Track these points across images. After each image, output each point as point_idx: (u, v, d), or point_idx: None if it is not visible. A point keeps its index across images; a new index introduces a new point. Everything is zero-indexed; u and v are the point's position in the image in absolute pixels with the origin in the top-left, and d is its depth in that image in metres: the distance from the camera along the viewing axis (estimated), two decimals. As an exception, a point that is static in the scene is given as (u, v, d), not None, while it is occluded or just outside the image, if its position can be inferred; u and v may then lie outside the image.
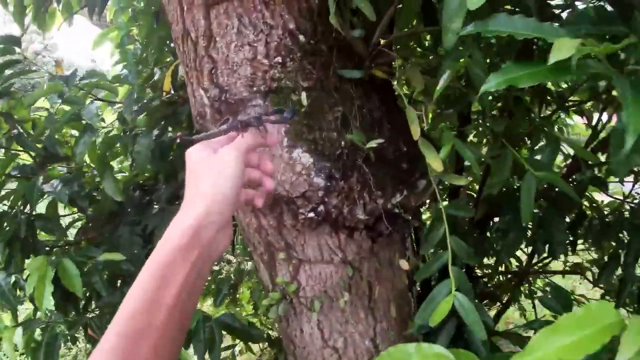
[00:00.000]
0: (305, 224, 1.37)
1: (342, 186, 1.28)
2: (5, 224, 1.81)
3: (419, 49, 1.84)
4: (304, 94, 1.25)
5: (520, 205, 1.29)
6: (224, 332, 1.76)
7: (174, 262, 0.63)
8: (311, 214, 1.33)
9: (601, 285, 2.18)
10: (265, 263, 1.59)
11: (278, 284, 1.57)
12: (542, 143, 1.53)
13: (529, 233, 1.75)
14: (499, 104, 1.54)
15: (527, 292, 2.32)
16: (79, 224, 2.22)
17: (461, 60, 0.98)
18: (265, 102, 1.31)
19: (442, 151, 1.18)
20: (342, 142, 1.26)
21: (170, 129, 1.93)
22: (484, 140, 2.13)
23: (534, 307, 2.42)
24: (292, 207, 1.33)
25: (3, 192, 1.94)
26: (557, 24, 0.75)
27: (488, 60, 1.58)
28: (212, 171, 0.71)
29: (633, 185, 1.77)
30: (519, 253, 1.96)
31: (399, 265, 1.54)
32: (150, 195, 2.07)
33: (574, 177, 1.65)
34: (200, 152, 0.75)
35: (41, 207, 1.90)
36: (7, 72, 1.85)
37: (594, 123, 1.84)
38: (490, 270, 2.14)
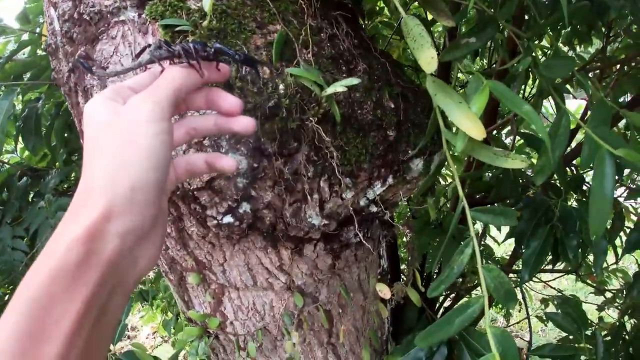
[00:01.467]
0: (222, 234, 0.74)
1: (280, 169, 0.65)
2: None
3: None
4: (207, 1, 0.61)
5: (590, 202, 0.69)
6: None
7: (54, 298, 0.36)
8: (228, 218, 0.70)
9: (588, 282, 1.70)
10: (174, 286, 0.96)
11: (193, 320, 0.95)
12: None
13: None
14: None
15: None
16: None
17: None
18: (139, 14, 0.67)
19: (474, 102, 0.57)
20: (280, 85, 0.62)
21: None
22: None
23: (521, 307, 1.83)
24: (194, 207, 0.70)
25: None
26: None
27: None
28: (116, 143, 0.41)
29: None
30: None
31: (373, 288, 0.92)
32: (39, 183, 1.42)
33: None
34: (102, 109, 0.43)
35: None
36: None
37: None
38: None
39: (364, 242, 0.84)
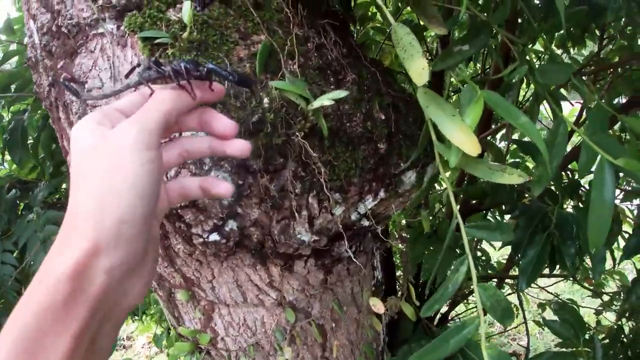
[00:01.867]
0: (209, 251, 0.71)
1: (266, 186, 0.61)
2: None
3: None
4: (187, 10, 0.57)
5: (590, 213, 0.66)
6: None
7: (43, 333, 0.35)
8: (214, 236, 0.66)
9: (585, 285, 1.67)
10: (164, 302, 0.93)
11: (184, 335, 0.91)
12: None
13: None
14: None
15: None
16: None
17: None
18: (118, 26, 0.63)
19: (468, 114, 0.53)
20: (264, 99, 0.58)
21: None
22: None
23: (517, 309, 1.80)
24: (179, 225, 0.66)
25: None
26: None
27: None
28: (102, 169, 0.38)
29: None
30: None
31: (367, 301, 0.88)
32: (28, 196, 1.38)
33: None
34: (88, 133, 0.40)
35: None
36: None
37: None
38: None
39: (356, 256, 0.81)
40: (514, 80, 0.61)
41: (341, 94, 0.55)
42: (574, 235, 1.05)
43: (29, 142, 1.31)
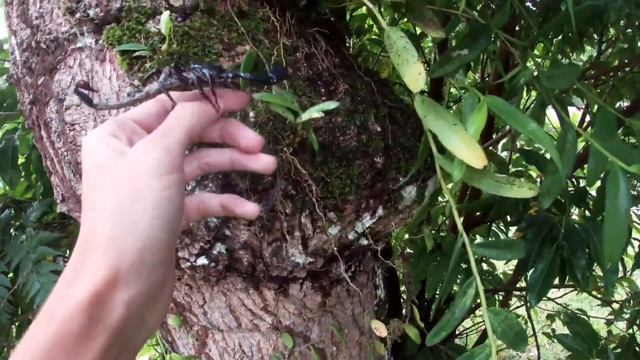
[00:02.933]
0: (198, 276, 0.65)
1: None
2: None
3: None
4: (165, 21, 0.52)
5: (605, 225, 0.60)
6: None
7: None
8: (202, 260, 0.61)
9: (594, 293, 1.60)
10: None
11: (178, 361, 0.86)
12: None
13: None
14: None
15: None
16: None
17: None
18: (96, 40, 0.58)
19: (471, 123, 0.48)
20: (249, 113, 0.53)
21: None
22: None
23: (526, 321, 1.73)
24: (163, 248, 0.61)
25: None
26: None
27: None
28: (121, 195, 0.35)
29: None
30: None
31: (369, 323, 0.82)
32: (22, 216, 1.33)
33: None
34: (102, 147, 0.37)
35: None
36: None
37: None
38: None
39: (357, 276, 0.75)
40: (519, 84, 0.56)
41: (332, 105, 0.50)
42: (583, 245, 0.99)
43: (22, 161, 1.26)
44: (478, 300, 0.56)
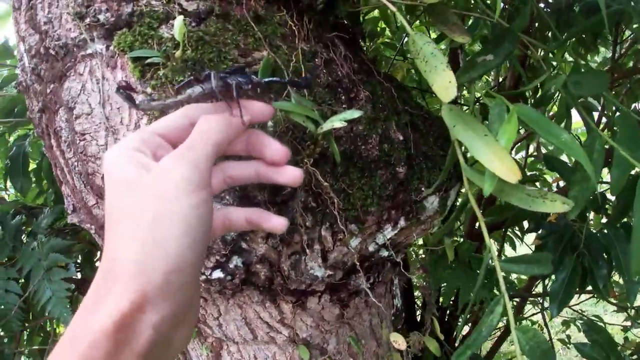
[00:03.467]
0: (213, 289, 0.62)
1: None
2: None
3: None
4: (179, 26, 0.49)
5: (632, 239, 0.57)
6: None
7: None
8: (217, 273, 0.58)
9: (611, 300, 1.56)
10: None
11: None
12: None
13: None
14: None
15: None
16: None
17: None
18: (107, 46, 0.56)
19: (502, 134, 0.45)
20: (268, 123, 0.50)
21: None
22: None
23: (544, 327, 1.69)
24: (177, 261, 0.58)
25: None
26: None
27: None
28: (148, 215, 0.33)
29: None
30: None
31: (387, 335, 0.79)
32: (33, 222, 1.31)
33: None
34: (127, 163, 0.35)
35: None
36: None
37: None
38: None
39: (375, 287, 0.72)
40: (549, 93, 0.52)
41: (354, 114, 0.47)
42: (604, 254, 0.96)
43: (33, 167, 1.24)
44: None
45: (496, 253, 0.52)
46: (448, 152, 0.65)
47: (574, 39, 1.48)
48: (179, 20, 0.50)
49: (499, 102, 0.53)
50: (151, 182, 0.34)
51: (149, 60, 0.53)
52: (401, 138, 0.58)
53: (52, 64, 0.62)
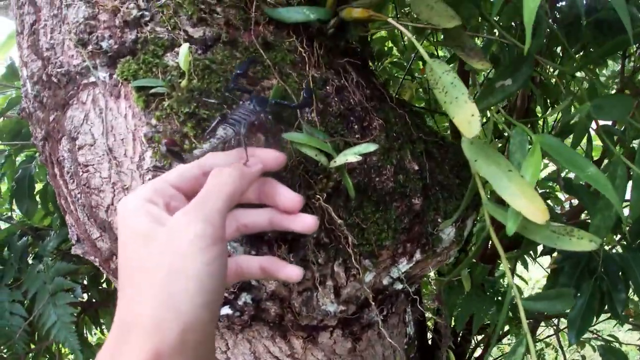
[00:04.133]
0: (221, 324, 0.59)
1: (283, 257, 0.50)
2: None
3: None
4: (184, 54, 0.47)
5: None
6: None
7: None
8: (226, 310, 0.55)
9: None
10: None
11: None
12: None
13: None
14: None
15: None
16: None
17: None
18: (110, 74, 0.53)
19: (526, 168, 0.42)
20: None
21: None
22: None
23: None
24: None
25: None
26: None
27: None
28: (162, 271, 0.32)
29: None
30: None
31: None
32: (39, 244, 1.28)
33: None
34: (141, 216, 0.35)
35: None
36: None
37: None
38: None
39: (388, 318, 0.69)
40: (573, 122, 0.49)
41: (370, 147, 0.44)
42: (621, 276, 0.92)
43: (39, 188, 1.22)
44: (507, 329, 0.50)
45: (517, 291, 0.48)
46: (464, 179, 0.62)
47: (582, 53, 1.46)
48: (184, 48, 0.48)
49: (519, 130, 0.50)
50: (165, 238, 0.34)
51: (153, 90, 0.51)
52: (416, 168, 0.54)
53: (55, 92, 0.60)
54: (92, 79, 0.55)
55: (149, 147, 0.51)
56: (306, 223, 0.41)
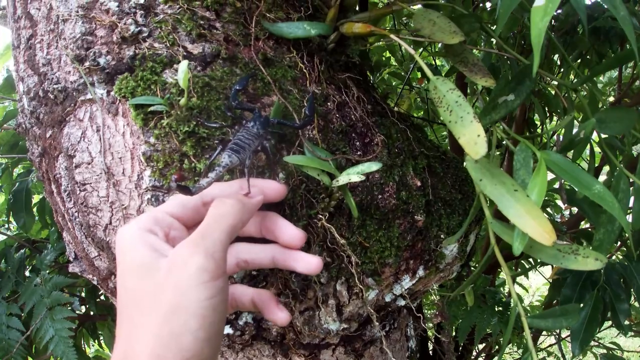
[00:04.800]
0: (222, 344, 0.58)
1: (285, 278, 0.49)
2: None
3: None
4: (184, 71, 0.46)
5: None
6: None
7: None
8: (227, 330, 0.54)
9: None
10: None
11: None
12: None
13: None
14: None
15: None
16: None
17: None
18: (108, 91, 0.52)
19: (532, 188, 0.41)
20: (279, 174, 0.46)
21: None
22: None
23: None
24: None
25: None
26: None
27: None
28: (162, 305, 0.32)
29: None
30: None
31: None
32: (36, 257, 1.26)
33: None
34: (140, 247, 0.34)
35: None
36: None
37: None
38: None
39: (390, 333, 0.68)
40: (577, 138, 0.49)
41: (372, 166, 0.43)
42: (624, 286, 0.91)
43: (36, 201, 1.21)
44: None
45: (521, 309, 0.47)
46: (466, 194, 0.61)
47: (579, 60, 1.45)
48: (183, 65, 0.47)
49: (523, 147, 0.49)
50: (165, 271, 0.33)
51: (152, 108, 0.50)
52: (419, 184, 0.54)
53: (52, 108, 0.59)
54: (89, 95, 0.54)
55: (147, 165, 0.50)
56: (311, 265, 0.40)
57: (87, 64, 0.53)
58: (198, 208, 0.38)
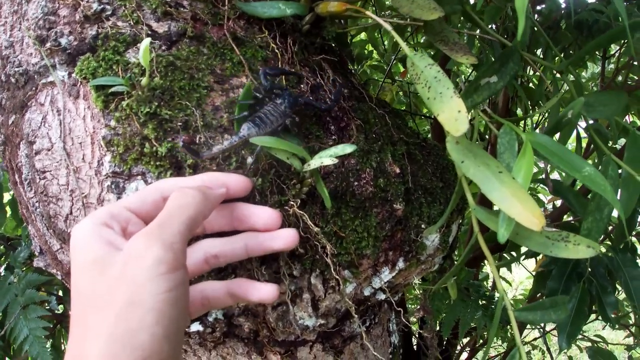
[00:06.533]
0: (192, 341, 0.54)
1: (254, 269, 0.45)
2: None
3: None
4: (144, 49, 0.42)
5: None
6: None
7: None
8: (196, 326, 0.50)
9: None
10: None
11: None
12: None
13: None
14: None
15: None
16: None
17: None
18: (69, 73, 0.48)
19: (518, 169, 0.38)
20: (247, 159, 0.42)
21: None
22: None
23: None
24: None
25: None
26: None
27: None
28: (117, 303, 0.29)
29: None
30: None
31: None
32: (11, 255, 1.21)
33: None
34: (94, 242, 0.32)
35: None
36: None
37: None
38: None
39: (371, 329, 0.64)
40: (565, 119, 0.45)
41: (347, 148, 0.39)
42: (610, 278, 0.88)
43: (9, 198, 1.15)
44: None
45: (508, 302, 0.44)
46: (448, 182, 0.58)
47: (563, 54, 1.43)
48: (144, 44, 0.42)
49: (507, 129, 0.45)
50: (121, 265, 0.30)
51: (113, 89, 0.46)
52: (398, 171, 0.50)
53: (14, 93, 0.55)
54: (50, 78, 0.50)
55: (107, 150, 0.46)
56: (288, 238, 0.37)
57: (48, 44, 0.49)
58: (158, 203, 0.35)
